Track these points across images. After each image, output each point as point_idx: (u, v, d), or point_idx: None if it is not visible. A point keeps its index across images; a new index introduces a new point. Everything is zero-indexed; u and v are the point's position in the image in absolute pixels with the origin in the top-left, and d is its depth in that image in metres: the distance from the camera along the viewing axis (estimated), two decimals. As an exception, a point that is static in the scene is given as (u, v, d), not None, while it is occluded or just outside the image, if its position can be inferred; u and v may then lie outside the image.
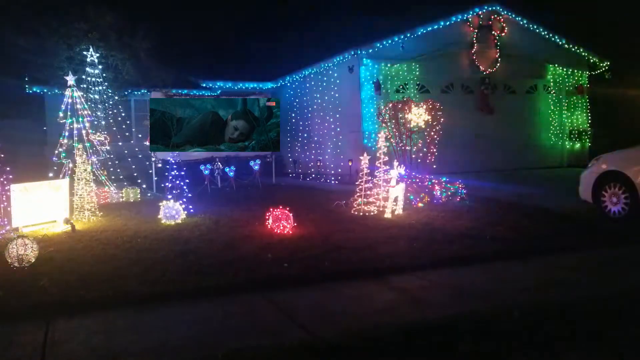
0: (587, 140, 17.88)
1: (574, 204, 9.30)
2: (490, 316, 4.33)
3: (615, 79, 17.97)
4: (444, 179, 10.86)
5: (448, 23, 15.73)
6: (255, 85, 20.07)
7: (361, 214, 9.16)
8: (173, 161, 9.80)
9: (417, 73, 15.46)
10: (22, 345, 3.99)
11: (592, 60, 17.82)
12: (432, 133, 14.06)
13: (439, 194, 10.31)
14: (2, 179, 8.22)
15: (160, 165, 13.63)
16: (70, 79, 9.86)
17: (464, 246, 6.69)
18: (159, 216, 8.83)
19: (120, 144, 12.71)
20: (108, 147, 11.71)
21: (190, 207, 9.43)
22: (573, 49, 17.48)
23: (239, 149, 14.25)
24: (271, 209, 7.88)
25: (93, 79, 12.35)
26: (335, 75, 16.29)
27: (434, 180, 10.79)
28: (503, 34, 16.41)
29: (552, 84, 17.59)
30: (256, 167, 14.62)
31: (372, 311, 4.63)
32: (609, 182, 8.35)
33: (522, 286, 5.28)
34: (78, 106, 9.82)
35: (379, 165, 9.28)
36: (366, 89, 14.86)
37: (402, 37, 15.03)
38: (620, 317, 4.28)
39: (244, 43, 23.34)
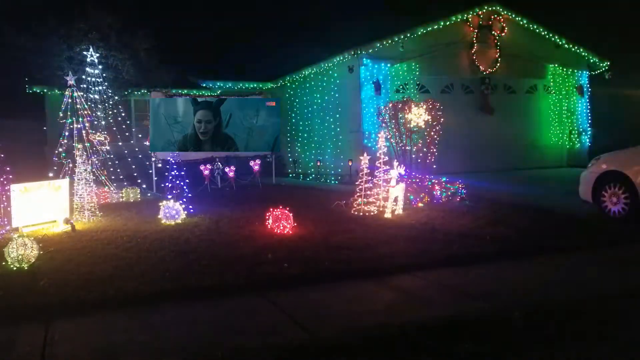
0: (587, 140, 17.89)
1: (574, 204, 9.30)
2: (490, 316, 4.33)
3: (615, 79, 17.98)
4: (444, 179, 10.86)
5: (448, 23, 15.73)
6: (255, 85, 20.07)
7: (361, 214, 9.15)
8: (173, 161, 9.80)
9: (417, 73, 15.46)
10: (22, 345, 3.99)
11: (592, 60, 17.83)
12: (432, 133, 14.07)
13: (439, 194, 10.31)
14: (2, 179, 8.21)
15: (160, 165, 13.63)
16: (70, 79, 9.86)
17: (464, 246, 6.69)
18: (159, 216, 8.82)
19: (120, 144, 12.71)
20: (108, 147, 11.71)
21: (190, 207, 9.42)
22: (573, 49, 17.49)
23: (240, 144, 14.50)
24: (271, 209, 7.88)
25: (93, 79, 12.35)
26: (335, 75, 16.29)
27: (434, 180, 10.79)
28: (503, 34, 16.42)
29: (552, 84, 17.59)
30: (256, 167, 14.62)
31: (372, 311, 4.63)
32: (609, 182, 8.35)
33: (521, 286, 5.28)
34: (78, 106, 9.81)
35: (379, 165, 9.27)
36: (366, 89, 14.85)
37: (402, 37, 15.03)
38: (621, 317, 4.28)
39: (243, 43, 23.34)
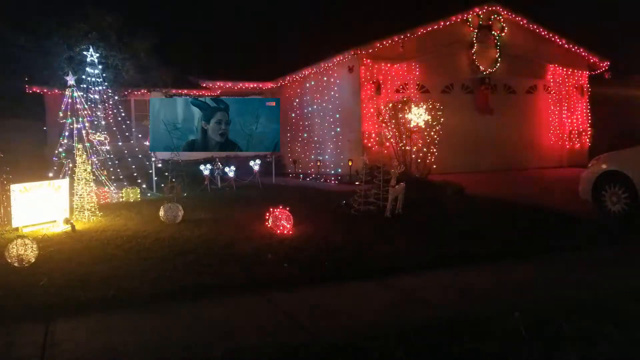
0: (587, 140, 17.89)
1: (574, 204, 9.30)
2: (490, 316, 4.33)
3: (615, 79, 17.97)
4: (444, 179, 10.85)
5: (448, 23, 15.73)
6: (255, 86, 20.07)
7: (361, 214, 9.15)
8: (173, 161, 9.80)
9: (417, 73, 15.46)
10: (22, 345, 3.99)
11: (592, 60, 17.82)
12: (432, 133, 14.09)
13: (438, 194, 10.31)
14: (2, 179, 8.21)
15: (160, 165, 13.63)
16: (70, 79, 9.86)
17: (464, 246, 6.68)
18: (159, 216, 8.82)
19: (120, 144, 12.71)
20: (108, 147, 11.70)
21: (191, 207, 9.42)
22: (573, 49, 17.48)
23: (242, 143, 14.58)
24: (271, 209, 7.88)
25: (93, 79, 12.35)
26: (335, 75, 16.28)
27: (434, 180, 10.79)
28: (503, 34, 16.41)
29: (552, 84, 17.59)
30: (256, 167, 14.62)
31: (372, 311, 4.63)
32: (609, 182, 8.35)
33: (521, 286, 5.28)
34: (78, 106, 9.81)
35: (379, 165, 9.27)
36: (366, 89, 14.85)
37: (402, 37, 15.03)
38: (621, 317, 4.27)
39: (243, 43, 23.35)
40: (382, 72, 14.96)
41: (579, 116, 17.85)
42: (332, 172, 16.45)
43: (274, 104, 15.91)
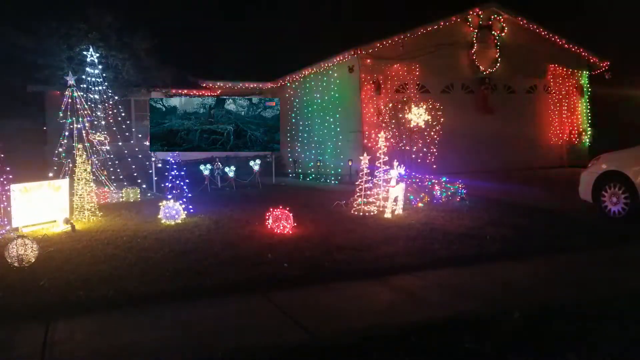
0: (587, 140, 17.89)
1: (574, 204, 9.30)
2: (489, 316, 4.33)
3: (615, 79, 17.97)
4: (444, 179, 10.86)
5: (448, 23, 15.72)
6: (255, 86, 20.06)
7: (361, 214, 9.15)
8: (173, 161, 9.80)
9: (417, 73, 15.45)
10: (22, 345, 3.99)
11: (592, 60, 17.83)
12: (432, 133, 14.11)
13: (439, 194, 10.31)
14: (2, 179, 8.21)
15: (160, 165, 13.63)
16: (70, 79, 9.86)
17: (464, 246, 6.69)
18: (159, 216, 8.82)
19: (120, 144, 12.71)
20: (108, 147, 11.70)
21: (190, 207, 9.43)
22: (573, 49, 17.48)
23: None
24: (271, 209, 7.88)
25: (93, 79, 12.35)
26: (335, 75, 16.28)
27: (433, 180, 10.79)
28: (503, 34, 16.42)
29: (552, 84, 17.59)
30: (256, 167, 14.62)
31: (372, 311, 4.64)
32: (608, 182, 8.36)
33: (521, 286, 5.28)
34: (78, 106, 9.82)
35: (379, 165, 9.27)
36: (366, 89, 14.85)
37: (402, 37, 15.02)
38: (621, 317, 4.28)
39: (244, 43, 23.34)
40: (382, 72, 14.94)
41: (579, 116, 17.85)
42: (332, 172, 16.44)
43: (274, 104, 15.91)
